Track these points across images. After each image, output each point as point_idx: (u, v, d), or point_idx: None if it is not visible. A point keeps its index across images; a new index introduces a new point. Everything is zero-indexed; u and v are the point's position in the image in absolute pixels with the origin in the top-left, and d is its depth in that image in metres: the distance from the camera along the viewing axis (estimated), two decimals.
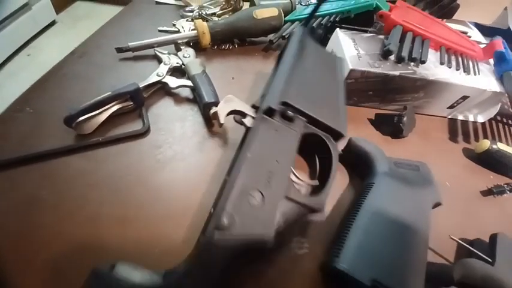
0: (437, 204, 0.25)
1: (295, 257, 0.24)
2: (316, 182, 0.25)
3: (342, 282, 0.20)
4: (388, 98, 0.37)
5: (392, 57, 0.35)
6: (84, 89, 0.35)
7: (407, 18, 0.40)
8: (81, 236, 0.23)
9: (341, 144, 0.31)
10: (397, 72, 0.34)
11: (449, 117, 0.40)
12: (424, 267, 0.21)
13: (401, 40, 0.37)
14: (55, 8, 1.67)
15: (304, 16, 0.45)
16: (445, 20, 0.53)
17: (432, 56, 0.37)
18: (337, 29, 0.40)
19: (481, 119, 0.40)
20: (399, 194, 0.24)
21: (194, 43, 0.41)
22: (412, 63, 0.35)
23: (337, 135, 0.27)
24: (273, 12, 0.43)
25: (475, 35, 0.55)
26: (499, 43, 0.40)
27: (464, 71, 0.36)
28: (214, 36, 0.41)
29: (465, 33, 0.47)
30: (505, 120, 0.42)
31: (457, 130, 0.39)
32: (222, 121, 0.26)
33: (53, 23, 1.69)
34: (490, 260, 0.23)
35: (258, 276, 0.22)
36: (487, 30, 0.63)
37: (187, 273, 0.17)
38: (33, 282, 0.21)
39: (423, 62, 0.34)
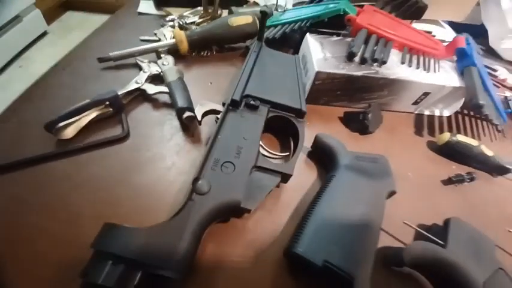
0: (392, 193, 0.27)
1: (262, 245, 0.26)
2: (287, 154, 0.32)
3: (302, 265, 0.22)
4: (356, 97, 0.40)
5: (356, 59, 0.37)
6: (69, 98, 0.37)
7: (372, 21, 0.42)
8: (65, 233, 0.25)
9: (309, 141, 0.34)
10: (360, 73, 0.36)
11: (416, 112, 0.42)
12: (374, 249, 0.23)
13: (366, 42, 0.39)
14: (46, 18, 1.69)
15: (279, 22, 0.48)
16: (415, 20, 0.56)
17: (395, 56, 0.40)
18: (307, 34, 0.42)
19: (446, 113, 0.43)
20: (356, 184, 0.26)
21: (174, 51, 0.44)
22: (375, 64, 0.37)
23: (299, 113, 0.33)
24: (247, 19, 0.45)
25: (443, 33, 0.58)
26: (461, 40, 0.43)
27: (425, 69, 0.39)
28: (192, 43, 0.43)
29: (430, 32, 0.50)
30: (472, 113, 0.45)
31: (422, 124, 0.41)
32: (199, 118, 0.31)
33: (44, 34, 1.71)
34: (441, 242, 0.25)
35: (225, 262, 0.24)
36: (461, 27, 0.66)
37: (170, 223, 0.21)
38: (21, 276, 0.22)
39: (384, 63, 0.37)
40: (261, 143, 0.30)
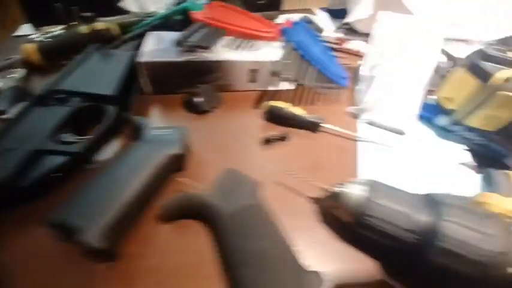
0: (176, 156, 0.31)
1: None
2: (90, 136, 0.33)
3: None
4: (196, 81, 0.43)
5: (185, 47, 0.41)
6: None
7: (214, 15, 0.47)
8: None
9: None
10: (181, 59, 0.40)
11: (258, 89, 0.47)
12: (128, 203, 0.26)
13: (197, 32, 0.44)
14: None
15: (143, 25, 0.52)
16: (278, 10, 0.63)
17: (229, 42, 0.45)
18: (147, 32, 0.46)
19: (284, 86, 0.47)
20: (136, 153, 0.29)
21: (27, 63, 0.46)
22: (202, 50, 0.42)
23: (111, 100, 0.36)
24: (99, 26, 0.49)
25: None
26: (289, 22, 0.48)
27: (253, 50, 0.44)
28: (45, 54, 0.46)
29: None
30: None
31: (261, 99, 0.45)
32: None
33: None
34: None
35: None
36: (334, 12, 0.72)
37: None
38: None
39: (207, 48, 0.41)
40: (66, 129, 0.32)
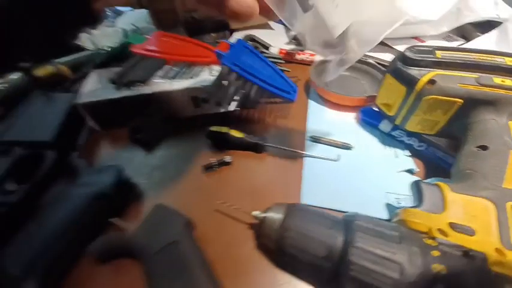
0: (108, 195, 0.31)
1: None
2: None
3: None
4: (140, 115, 0.43)
5: (119, 84, 0.42)
6: None
7: (156, 46, 0.48)
8: None
9: None
10: (116, 96, 0.40)
11: (206, 113, 0.47)
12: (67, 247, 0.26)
13: (135, 66, 0.44)
14: None
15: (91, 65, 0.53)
16: (228, 30, 0.64)
17: (166, 72, 0.45)
18: (92, 71, 0.47)
19: (231, 107, 0.47)
20: (69, 196, 0.30)
21: None
22: (138, 84, 0.42)
23: (48, 146, 0.35)
24: (48, 70, 0.50)
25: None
26: (223, 45, 0.48)
27: (191, 77, 0.44)
28: None
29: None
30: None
31: (207, 124, 0.45)
32: None
33: None
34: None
35: None
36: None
37: None
38: None
39: (142, 82, 0.42)
40: None
